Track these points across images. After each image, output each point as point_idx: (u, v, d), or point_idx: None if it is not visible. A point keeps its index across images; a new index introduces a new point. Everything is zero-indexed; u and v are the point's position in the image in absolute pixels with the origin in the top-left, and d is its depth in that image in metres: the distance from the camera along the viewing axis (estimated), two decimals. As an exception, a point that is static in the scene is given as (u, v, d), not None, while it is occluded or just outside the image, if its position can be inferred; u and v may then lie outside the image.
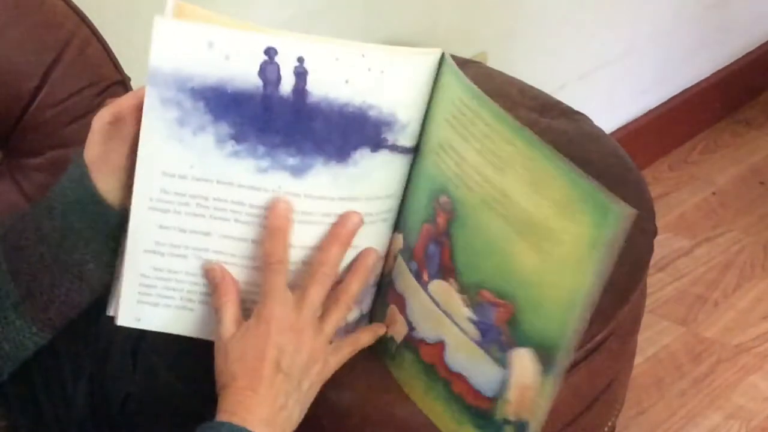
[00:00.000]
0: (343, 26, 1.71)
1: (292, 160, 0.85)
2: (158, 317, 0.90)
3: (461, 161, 0.83)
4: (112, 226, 0.88)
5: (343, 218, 0.87)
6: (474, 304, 0.84)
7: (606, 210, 0.70)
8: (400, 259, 0.92)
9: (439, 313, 0.88)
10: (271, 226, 0.86)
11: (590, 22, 2.16)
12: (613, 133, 2.23)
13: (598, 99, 2.18)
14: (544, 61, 2.09)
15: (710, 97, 2.54)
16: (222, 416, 0.83)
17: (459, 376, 0.87)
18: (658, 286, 2.07)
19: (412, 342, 0.92)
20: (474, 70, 1.75)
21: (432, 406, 0.92)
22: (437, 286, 0.87)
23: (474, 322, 0.84)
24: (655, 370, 1.90)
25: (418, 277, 0.89)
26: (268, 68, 0.82)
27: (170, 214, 0.86)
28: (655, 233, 1.53)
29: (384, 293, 0.95)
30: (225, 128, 0.83)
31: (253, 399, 0.83)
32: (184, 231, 0.87)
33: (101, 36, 1.19)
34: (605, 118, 1.92)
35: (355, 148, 0.86)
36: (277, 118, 0.84)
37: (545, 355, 0.78)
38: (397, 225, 0.92)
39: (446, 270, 0.86)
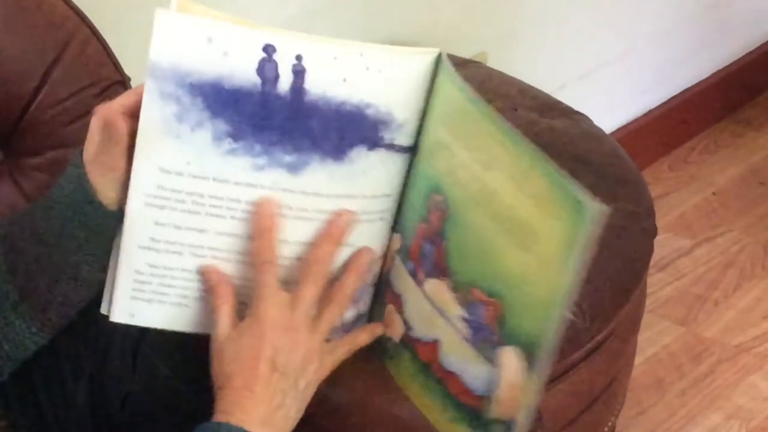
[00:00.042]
0: (343, 26, 1.71)
1: (288, 158, 0.85)
2: (152, 313, 0.90)
3: (453, 160, 0.83)
4: (108, 228, 0.88)
5: (334, 216, 0.88)
6: (466, 302, 0.84)
7: (581, 208, 0.71)
8: (397, 259, 0.92)
9: (433, 312, 0.88)
10: (258, 226, 0.86)
11: (590, 22, 2.16)
12: (613, 133, 2.23)
13: (598, 99, 2.18)
14: (544, 61, 2.09)
15: (710, 97, 2.54)
16: (219, 417, 0.83)
17: (452, 375, 0.88)
18: (658, 286, 2.07)
19: (409, 342, 0.93)
20: (474, 70, 1.75)
21: (428, 405, 0.92)
22: (432, 285, 0.88)
23: (466, 321, 0.85)
24: (655, 370, 1.90)
25: (414, 276, 0.90)
26: (267, 66, 0.82)
27: (166, 211, 0.86)
28: (655, 233, 1.53)
29: (382, 293, 0.95)
30: (222, 125, 0.83)
31: (249, 399, 0.83)
32: (180, 228, 0.87)
33: (101, 36, 1.19)
34: (605, 118, 1.92)
35: (352, 146, 0.86)
36: (275, 116, 0.84)
37: (530, 353, 0.79)
38: (396, 225, 0.92)
39: (440, 269, 0.86)
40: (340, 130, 0.85)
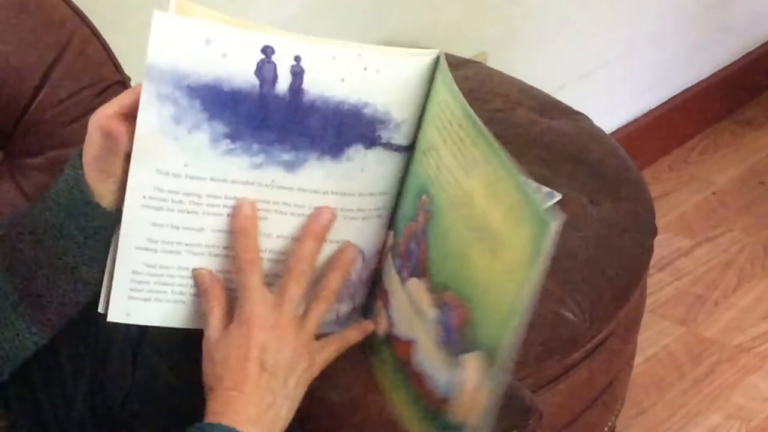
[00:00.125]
0: (342, 26, 1.71)
1: (286, 156, 0.85)
2: (150, 311, 0.90)
3: (440, 162, 0.84)
4: (107, 229, 0.88)
5: (315, 214, 0.88)
6: (440, 304, 0.85)
7: (545, 223, 0.72)
8: (389, 256, 0.92)
9: (412, 312, 0.88)
10: (238, 228, 0.87)
11: (590, 22, 2.16)
12: (613, 133, 2.23)
13: (598, 99, 2.18)
14: (544, 61, 2.09)
15: (710, 97, 2.54)
16: (210, 418, 0.83)
17: (422, 376, 0.88)
18: (658, 286, 2.07)
19: (390, 338, 0.93)
20: (474, 70, 1.75)
21: (399, 402, 0.93)
22: (413, 284, 0.88)
23: (438, 323, 0.85)
24: (655, 370, 1.91)
25: (399, 274, 0.90)
26: (265, 67, 0.82)
27: (163, 212, 0.86)
28: (655, 233, 1.53)
29: (376, 289, 0.95)
30: (220, 127, 0.83)
31: (239, 399, 0.83)
32: (178, 228, 0.87)
33: (101, 36, 1.19)
34: (605, 118, 1.92)
35: (349, 144, 0.86)
36: (273, 116, 0.84)
37: (491, 359, 0.79)
38: (391, 222, 0.92)
39: (421, 269, 0.87)
40: (338, 129, 0.85)
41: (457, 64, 1.71)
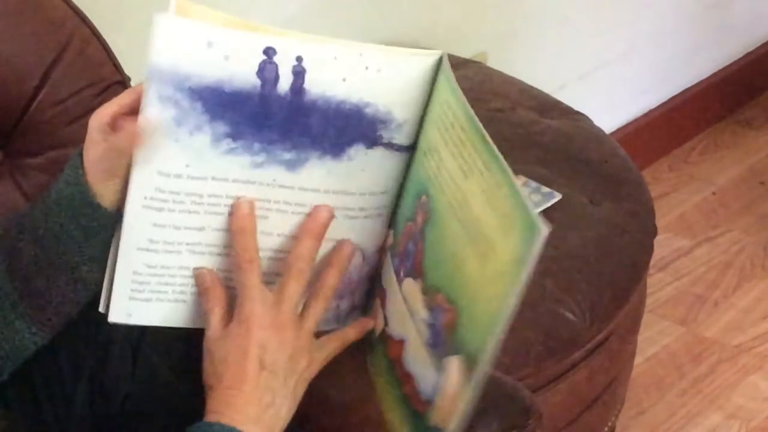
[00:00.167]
0: (342, 26, 1.71)
1: (287, 155, 0.85)
2: (151, 312, 0.90)
3: (441, 163, 0.84)
4: (107, 229, 0.88)
5: (313, 212, 0.88)
6: (431, 306, 0.85)
7: (534, 230, 0.71)
8: (388, 255, 0.92)
9: (405, 312, 0.89)
10: (236, 227, 0.87)
11: (590, 22, 2.16)
12: (613, 133, 2.23)
13: (598, 99, 2.18)
14: (544, 61, 2.09)
15: (710, 97, 2.54)
16: (210, 417, 0.83)
17: (410, 377, 0.88)
18: (658, 286, 2.07)
19: (385, 338, 0.93)
20: (474, 70, 1.75)
21: (386, 401, 0.93)
22: (408, 284, 0.88)
23: (428, 324, 0.85)
24: (655, 370, 1.91)
25: (397, 273, 0.90)
26: (267, 68, 0.82)
27: (164, 213, 0.86)
28: (655, 233, 1.53)
29: (376, 287, 0.95)
30: (221, 127, 0.83)
31: (239, 398, 0.83)
32: (179, 228, 0.87)
33: (101, 36, 1.19)
34: (605, 118, 1.92)
35: (351, 143, 0.86)
36: (274, 116, 0.84)
37: (470, 364, 0.79)
38: (391, 221, 0.92)
39: (416, 269, 0.87)
40: (339, 128, 0.85)
41: (457, 64, 1.71)
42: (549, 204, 1.46)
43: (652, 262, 1.53)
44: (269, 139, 0.84)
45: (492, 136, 0.78)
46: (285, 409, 0.86)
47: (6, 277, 0.90)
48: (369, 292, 0.96)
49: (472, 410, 0.80)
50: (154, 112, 0.81)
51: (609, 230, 1.46)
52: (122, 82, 1.19)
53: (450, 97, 0.83)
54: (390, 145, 0.87)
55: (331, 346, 0.92)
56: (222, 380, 0.84)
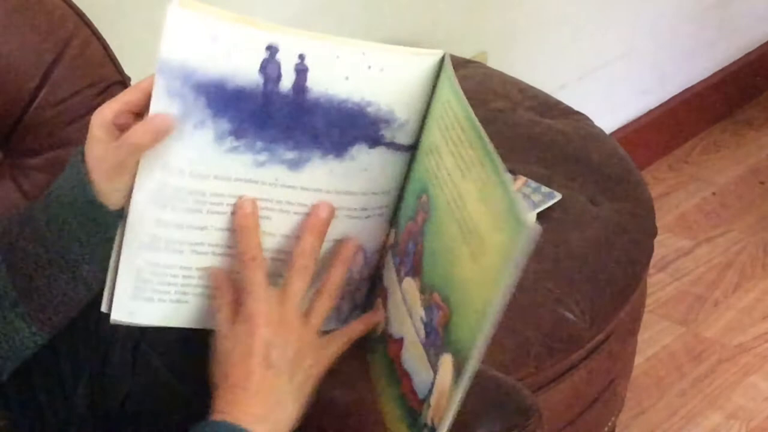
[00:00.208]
0: (343, 26, 1.71)
1: (289, 154, 0.85)
2: (153, 312, 0.90)
3: (441, 163, 0.84)
4: (109, 228, 0.87)
5: (313, 210, 0.88)
6: (427, 305, 0.85)
7: (521, 226, 0.71)
8: (389, 254, 0.93)
9: (404, 311, 0.89)
10: (239, 225, 0.86)
11: (590, 22, 2.16)
12: (613, 133, 2.23)
13: (598, 99, 2.18)
14: (544, 61, 2.09)
15: (710, 97, 2.54)
16: (216, 416, 0.83)
17: (407, 376, 0.88)
18: (658, 286, 2.07)
19: (385, 337, 0.93)
20: (474, 70, 1.75)
21: (385, 400, 0.93)
22: (407, 283, 0.88)
23: (424, 324, 0.85)
24: (655, 370, 1.91)
25: (397, 272, 0.90)
26: (269, 65, 0.82)
27: (168, 210, 0.86)
28: (655, 233, 1.53)
29: (377, 286, 0.95)
30: (224, 124, 0.83)
31: (244, 397, 0.83)
32: (181, 227, 0.87)
33: (101, 36, 1.19)
34: (605, 118, 1.92)
35: (353, 143, 0.86)
36: (277, 114, 0.84)
37: (460, 362, 0.79)
38: (392, 221, 0.92)
39: (416, 268, 0.87)
40: (342, 127, 0.85)
41: (457, 64, 1.70)
42: (549, 204, 1.46)
43: (652, 262, 1.53)
44: (272, 138, 0.84)
45: (492, 136, 0.78)
46: (292, 407, 0.86)
47: (6, 275, 0.90)
48: (370, 291, 0.97)
49: (458, 409, 0.80)
50: (162, 106, 0.81)
51: (609, 230, 1.46)
52: (122, 82, 1.19)
53: (451, 97, 0.83)
54: (392, 145, 0.87)
55: (337, 342, 0.91)
56: (228, 379, 0.84)
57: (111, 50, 1.19)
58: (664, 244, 2.15)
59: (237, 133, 0.83)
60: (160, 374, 1.00)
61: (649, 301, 1.69)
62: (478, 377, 0.80)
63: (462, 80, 0.83)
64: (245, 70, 0.81)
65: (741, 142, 2.52)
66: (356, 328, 0.93)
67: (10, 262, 0.90)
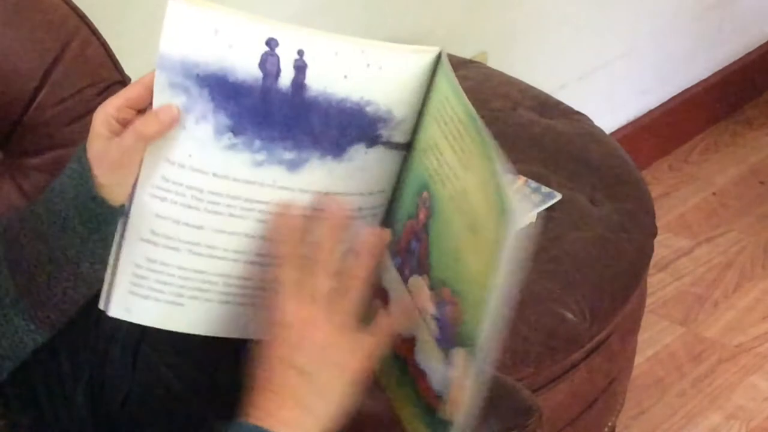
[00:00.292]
0: (343, 25, 1.71)
1: (288, 155, 0.85)
2: (148, 311, 0.90)
3: (441, 158, 0.84)
4: (111, 224, 0.87)
5: (327, 207, 0.86)
6: (438, 301, 0.85)
7: (508, 214, 0.72)
8: (387, 254, 0.92)
9: (414, 309, 0.88)
10: (280, 227, 0.85)
11: (590, 22, 2.16)
12: (613, 133, 2.23)
13: (598, 99, 2.18)
14: (544, 61, 2.09)
15: (710, 97, 2.54)
16: (244, 418, 0.81)
17: (422, 373, 0.88)
18: (658, 286, 2.07)
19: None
20: (474, 70, 1.75)
21: (400, 400, 0.93)
22: (414, 281, 0.88)
23: (436, 320, 0.85)
24: (655, 370, 1.91)
25: (401, 272, 0.90)
26: (269, 60, 0.82)
27: (167, 204, 0.86)
28: (655, 233, 1.53)
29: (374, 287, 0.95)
30: (224, 119, 0.83)
31: (272, 401, 0.82)
32: (179, 223, 0.87)
33: (101, 36, 1.19)
34: (605, 118, 1.92)
35: (351, 143, 0.86)
36: (276, 112, 0.84)
37: (474, 355, 0.79)
38: (386, 220, 0.92)
39: (422, 266, 0.87)
40: (341, 127, 0.85)
41: (457, 64, 1.70)
42: (549, 204, 1.46)
43: (652, 262, 1.53)
44: (270, 137, 0.84)
45: (492, 136, 0.78)
46: (321, 410, 0.83)
47: (7, 273, 0.90)
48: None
49: (479, 403, 0.80)
50: (165, 98, 0.82)
51: (609, 230, 1.46)
52: (122, 82, 1.19)
53: (449, 92, 0.83)
54: (388, 144, 0.87)
55: (369, 341, 0.86)
56: (258, 381, 0.83)
57: (111, 50, 1.19)
58: (664, 244, 2.15)
59: (235, 130, 0.83)
60: (160, 374, 1.00)
61: (649, 301, 1.69)
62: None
63: (462, 80, 0.83)
64: (245, 64, 0.82)
65: (741, 142, 2.52)
66: (382, 324, 0.88)
67: (11, 259, 0.90)
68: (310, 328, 0.84)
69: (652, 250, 1.51)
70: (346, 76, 0.83)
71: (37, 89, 1.13)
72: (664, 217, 2.22)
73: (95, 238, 0.88)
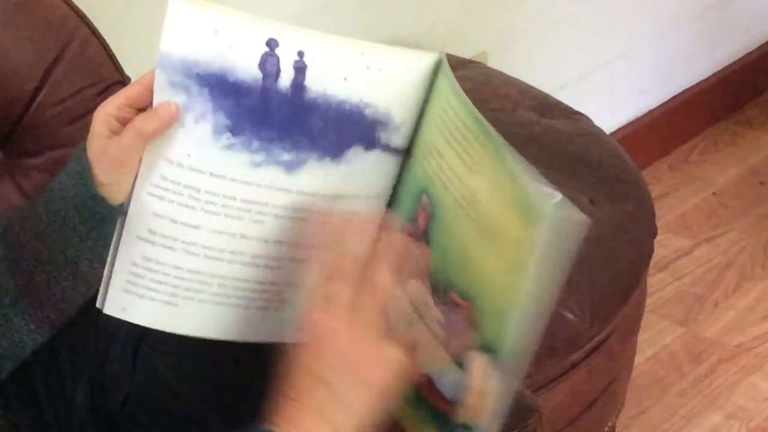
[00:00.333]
0: (343, 25, 1.71)
1: (286, 156, 0.85)
2: (143, 310, 0.90)
3: (443, 163, 0.83)
4: (110, 223, 0.87)
5: (356, 214, 0.85)
6: (443, 304, 0.84)
7: (544, 209, 0.71)
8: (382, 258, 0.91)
9: (412, 314, 0.88)
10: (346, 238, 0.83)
11: (590, 22, 2.16)
12: (613, 133, 2.23)
13: (598, 99, 2.18)
14: (544, 61, 2.09)
15: (710, 97, 2.54)
16: (266, 425, 0.79)
17: (426, 378, 0.88)
18: (658, 286, 2.07)
19: None
20: (474, 70, 1.75)
21: (401, 406, 0.92)
22: (413, 285, 0.88)
23: (441, 324, 0.85)
24: (655, 370, 1.91)
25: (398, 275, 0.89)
26: (269, 60, 0.82)
27: (165, 202, 0.86)
28: (655, 233, 1.53)
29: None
30: (223, 119, 0.83)
31: (298, 411, 0.79)
32: (175, 222, 0.87)
33: (101, 36, 1.19)
34: (605, 118, 1.92)
35: (350, 145, 0.86)
36: (275, 113, 0.84)
37: (498, 359, 0.78)
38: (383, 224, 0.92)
39: (422, 270, 0.87)
40: (339, 129, 0.85)
41: (457, 64, 1.71)
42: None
43: (652, 262, 1.53)
44: (269, 137, 0.84)
45: (492, 136, 0.78)
46: (346, 424, 0.80)
47: (7, 273, 0.90)
48: None
49: (505, 408, 0.79)
50: (165, 98, 0.82)
51: (609, 230, 1.46)
52: (122, 82, 1.19)
53: (452, 98, 0.83)
54: (387, 147, 0.87)
55: (396, 353, 0.81)
56: (286, 390, 0.81)
57: (111, 50, 1.19)
58: (664, 244, 2.15)
59: (234, 130, 0.83)
60: (160, 374, 1.00)
61: (649, 301, 1.69)
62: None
63: (462, 80, 0.83)
64: (245, 65, 0.82)
65: (741, 142, 2.52)
66: (417, 331, 0.86)
67: (11, 258, 0.90)
68: (334, 341, 0.80)
69: (652, 250, 1.51)
70: (345, 78, 0.83)
71: (37, 89, 1.13)
72: (664, 217, 2.22)
73: (94, 236, 0.88)
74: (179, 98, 0.82)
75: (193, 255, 0.88)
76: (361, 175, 0.87)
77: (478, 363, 0.80)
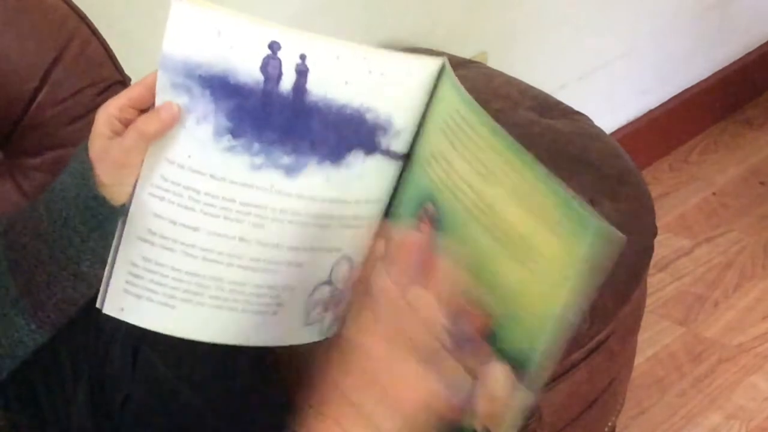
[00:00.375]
0: (343, 25, 1.71)
1: (286, 159, 0.85)
2: (141, 311, 0.89)
3: (451, 171, 0.83)
4: (111, 223, 0.87)
5: (406, 238, 0.80)
6: (453, 313, 0.84)
7: (586, 226, 0.70)
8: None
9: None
10: (410, 243, 0.80)
11: (590, 22, 2.16)
12: (613, 133, 2.23)
13: (598, 99, 2.18)
14: (544, 61, 2.09)
15: (710, 97, 2.54)
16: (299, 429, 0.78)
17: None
18: (658, 286, 2.07)
19: None
20: (474, 70, 1.75)
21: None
22: (416, 293, 0.87)
23: (450, 332, 0.84)
24: (655, 370, 1.91)
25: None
26: (270, 63, 0.82)
27: (165, 203, 0.86)
28: (655, 233, 1.53)
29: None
30: (224, 121, 0.83)
31: (322, 422, 0.77)
32: (175, 223, 0.86)
33: (101, 36, 1.19)
34: (605, 118, 1.92)
35: (350, 150, 0.86)
36: (275, 115, 0.83)
37: (519, 369, 0.78)
38: (381, 231, 0.91)
39: (427, 278, 0.86)
40: (340, 133, 0.85)
41: (457, 64, 1.70)
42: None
43: (652, 262, 1.53)
44: (269, 140, 0.84)
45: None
46: None
47: (8, 273, 0.90)
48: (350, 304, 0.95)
49: (523, 416, 0.79)
50: (167, 98, 0.82)
51: (609, 230, 1.46)
52: (122, 82, 1.19)
53: (460, 105, 0.82)
54: (387, 153, 0.87)
55: (432, 376, 0.77)
56: (312, 402, 0.78)
57: (111, 50, 1.19)
58: (664, 244, 2.15)
59: (235, 132, 0.83)
60: (160, 374, 1.00)
61: (649, 301, 1.69)
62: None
63: (462, 80, 0.82)
64: (247, 67, 0.81)
65: (741, 142, 2.52)
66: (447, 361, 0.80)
67: (12, 258, 0.90)
68: (368, 358, 0.78)
69: (652, 250, 1.51)
70: (347, 82, 0.83)
71: (37, 89, 1.13)
72: (664, 217, 2.22)
73: (96, 237, 0.88)
74: (181, 99, 0.82)
75: (191, 257, 0.88)
76: (361, 180, 0.87)
77: (497, 372, 0.79)
